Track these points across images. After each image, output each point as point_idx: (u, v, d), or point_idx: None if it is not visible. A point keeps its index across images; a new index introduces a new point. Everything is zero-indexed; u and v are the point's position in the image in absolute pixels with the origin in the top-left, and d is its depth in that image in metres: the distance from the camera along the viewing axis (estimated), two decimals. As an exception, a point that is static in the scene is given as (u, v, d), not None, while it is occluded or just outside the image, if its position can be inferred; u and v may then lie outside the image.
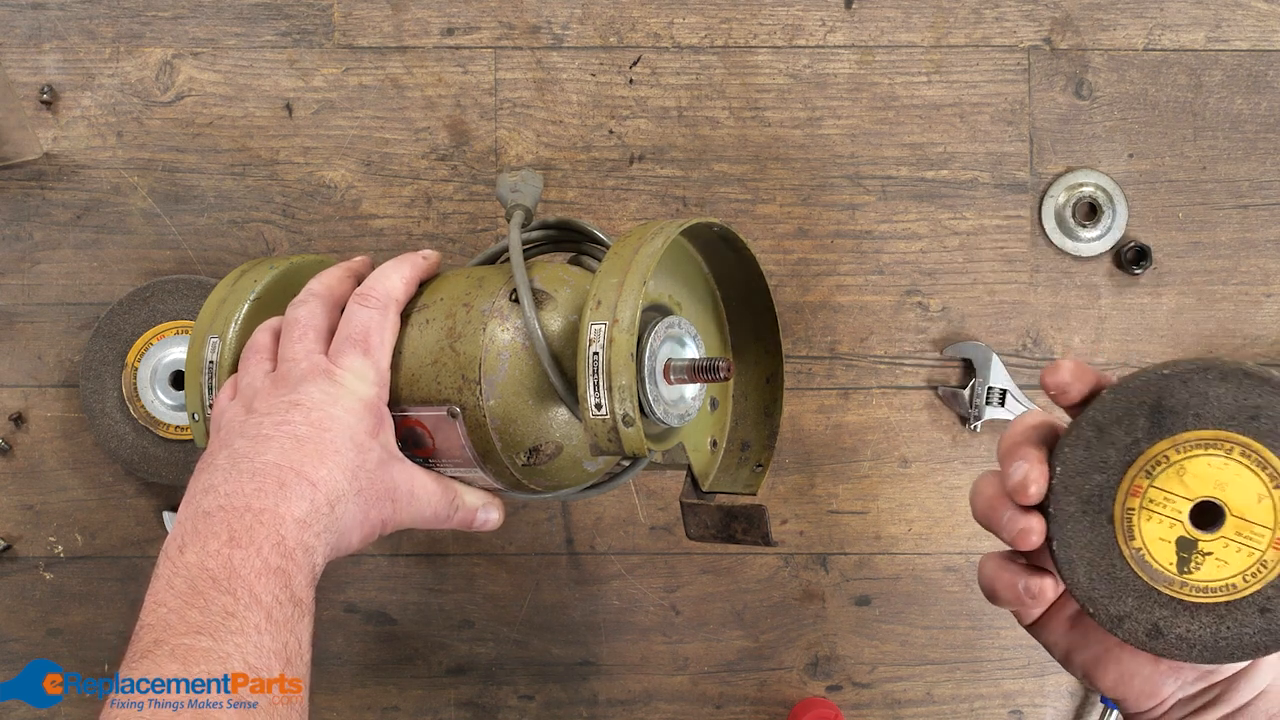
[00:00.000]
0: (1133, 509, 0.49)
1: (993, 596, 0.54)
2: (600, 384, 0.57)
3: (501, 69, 0.86)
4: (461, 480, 0.66)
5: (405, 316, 0.65)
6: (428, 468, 0.65)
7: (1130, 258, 0.85)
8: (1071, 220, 0.86)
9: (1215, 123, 0.87)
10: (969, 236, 0.87)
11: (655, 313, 0.62)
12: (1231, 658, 0.49)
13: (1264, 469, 0.45)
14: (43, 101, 0.86)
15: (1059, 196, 0.86)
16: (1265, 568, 0.47)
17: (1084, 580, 0.51)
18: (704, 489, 0.68)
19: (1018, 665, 0.87)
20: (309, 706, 0.54)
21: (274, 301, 0.70)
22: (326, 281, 0.66)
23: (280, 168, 0.86)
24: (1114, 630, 0.51)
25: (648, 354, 0.60)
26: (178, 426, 0.83)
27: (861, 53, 0.87)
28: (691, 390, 0.64)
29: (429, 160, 0.86)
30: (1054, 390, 0.51)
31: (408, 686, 0.87)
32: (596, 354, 0.56)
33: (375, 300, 0.63)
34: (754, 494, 0.68)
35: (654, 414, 0.60)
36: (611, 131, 0.87)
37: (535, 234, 0.71)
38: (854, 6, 0.87)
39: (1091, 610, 0.51)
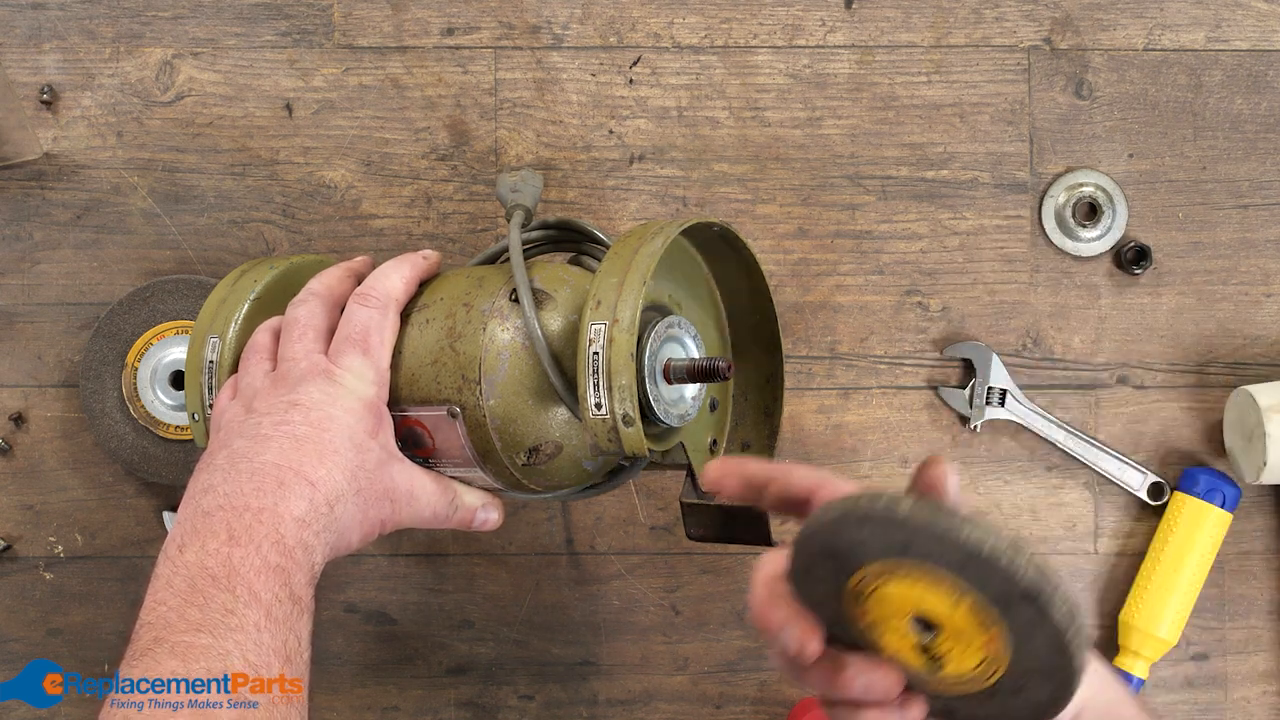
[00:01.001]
0: (870, 627, 0.48)
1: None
2: (600, 384, 0.57)
3: (501, 69, 0.86)
4: (461, 480, 0.66)
5: (405, 316, 0.65)
6: (427, 468, 0.65)
7: (1130, 258, 0.85)
8: (1071, 220, 0.86)
9: (1215, 123, 0.87)
10: (969, 236, 0.87)
11: (655, 313, 0.62)
12: None
13: (942, 583, 0.45)
14: (43, 101, 0.86)
15: (1059, 196, 0.86)
16: (996, 661, 0.46)
17: None
18: (704, 489, 0.68)
19: (1018, 665, 0.87)
20: (309, 706, 0.54)
21: (274, 301, 0.70)
22: (326, 281, 0.66)
23: (280, 168, 0.86)
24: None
25: (648, 354, 0.60)
26: (178, 426, 0.83)
27: (861, 53, 0.87)
28: (691, 390, 0.64)
29: (429, 160, 0.86)
30: (710, 489, 0.53)
31: (408, 686, 0.87)
32: (596, 354, 0.56)
33: (375, 300, 0.63)
34: (754, 494, 0.68)
35: (654, 414, 0.60)
36: (611, 131, 0.87)
37: (535, 234, 0.71)
38: (854, 6, 0.87)
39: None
